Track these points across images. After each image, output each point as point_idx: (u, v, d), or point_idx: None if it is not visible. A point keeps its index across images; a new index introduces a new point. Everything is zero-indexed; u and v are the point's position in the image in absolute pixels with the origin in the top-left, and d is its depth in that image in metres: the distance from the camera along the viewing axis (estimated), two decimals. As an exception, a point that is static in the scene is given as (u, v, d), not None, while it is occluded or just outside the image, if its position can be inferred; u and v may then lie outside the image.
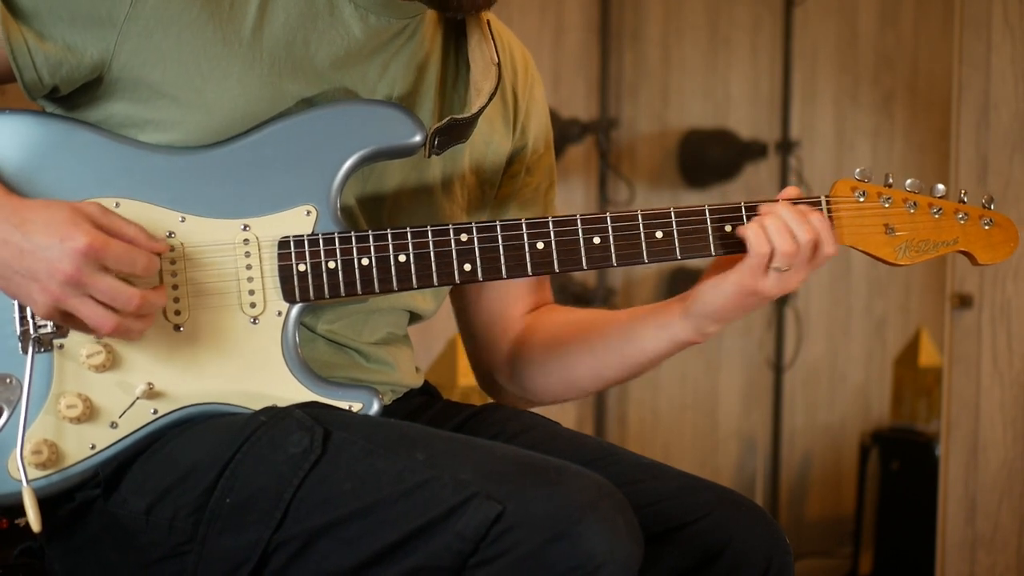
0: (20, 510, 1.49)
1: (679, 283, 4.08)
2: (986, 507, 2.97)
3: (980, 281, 2.95)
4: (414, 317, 1.72)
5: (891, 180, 1.63)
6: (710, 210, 1.59)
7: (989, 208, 1.65)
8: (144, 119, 1.53)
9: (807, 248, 1.56)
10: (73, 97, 1.54)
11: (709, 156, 4.08)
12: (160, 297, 1.47)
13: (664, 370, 4.16)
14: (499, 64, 1.63)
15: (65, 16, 1.49)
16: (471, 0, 1.56)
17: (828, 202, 1.61)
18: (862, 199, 1.62)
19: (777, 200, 1.59)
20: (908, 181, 1.63)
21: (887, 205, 1.62)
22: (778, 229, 1.55)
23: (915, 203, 1.63)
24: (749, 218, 1.58)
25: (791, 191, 1.62)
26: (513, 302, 1.79)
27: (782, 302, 4.30)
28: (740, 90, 4.25)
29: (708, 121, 4.16)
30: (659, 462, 1.60)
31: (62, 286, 1.41)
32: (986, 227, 1.64)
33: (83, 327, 1.46)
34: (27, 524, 1.48)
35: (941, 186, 1.63)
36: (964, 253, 1.65)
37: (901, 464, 4.01)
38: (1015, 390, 2.92)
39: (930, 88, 4.56)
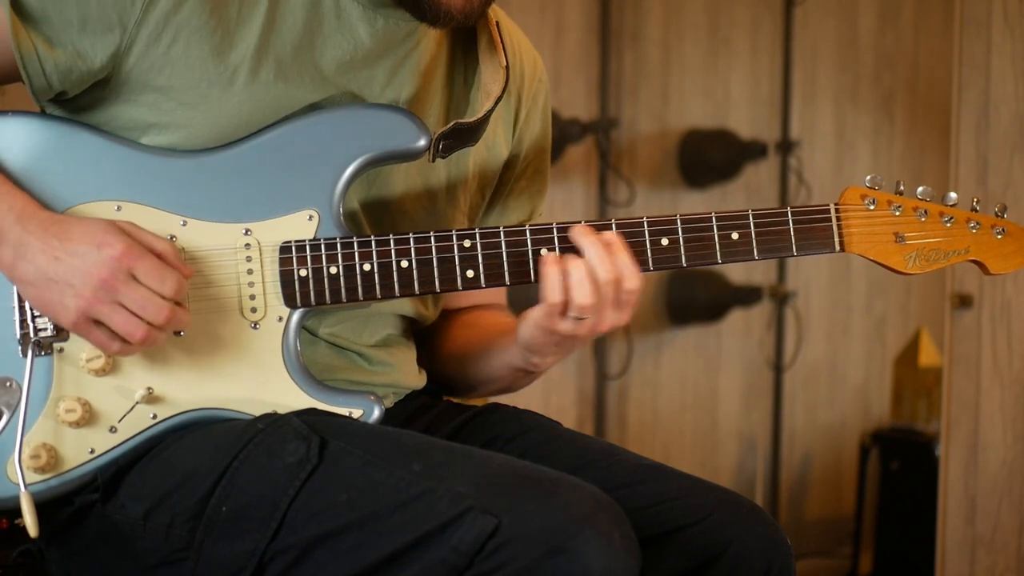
0: (19, 512, 1.49)
1: (678, 283, 4.08)
2: (986, 507, 2.97)
3: (980, 281, 2.95)
4: (415, 322, 1.72)
5: (902, 187, 1.61)
6: (716, 216, 1.57)
7: (1002, 217, 1.62)
8: (148, 122, 1.52)
9: (608, 290, 1.51)
10: (78, 99, 1.54)
11: (709, 156, 4.07)
12: (186, 316, 1.47)
13: (664, 370, 4.16)
14: (507, 67, 1.62)
15: (76, 21, 1.48)
16: (447, 12, 1.53)
17: (838, 210, 1.59)
18: (872, 207, 1.59)
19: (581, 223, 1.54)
20: (920, 189, 1.61)
21: (897, 213, 1.60)
22: (579, 279, 1.50)
23: (926, 211, 1.60)
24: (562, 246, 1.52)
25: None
26: (456, 299, 1.78)
27: (782, 302, 4.30)
28: (740, 90, 4.25)
29: (708, 121, 4.16)
30: (660, 463, 1.60)
31: (96, 291, 1.42)
32: (998, 236, 1.61)
33: (105, 341, 1.45)
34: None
35: (953, 194, 1.60)
36: (975, 263, 1.62)
37: (901, 464, 4.01)
38: (1015, 390, 2.92)
39: (930, 88, 4.56)
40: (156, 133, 1.52)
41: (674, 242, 1.56)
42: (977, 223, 1.61)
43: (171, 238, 1.51)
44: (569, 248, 1.54)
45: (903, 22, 4.56)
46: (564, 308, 1.52)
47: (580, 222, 1.54)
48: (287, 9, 1.54)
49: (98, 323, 1.44)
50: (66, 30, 1.48)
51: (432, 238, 1.53)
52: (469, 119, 1.58)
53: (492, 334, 1.69)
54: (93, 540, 1.53)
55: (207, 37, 1.51)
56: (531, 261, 1.54)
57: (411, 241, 1.53)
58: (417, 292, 1.54)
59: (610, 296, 1.51)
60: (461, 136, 1.58)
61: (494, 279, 1.54)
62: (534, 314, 1.55)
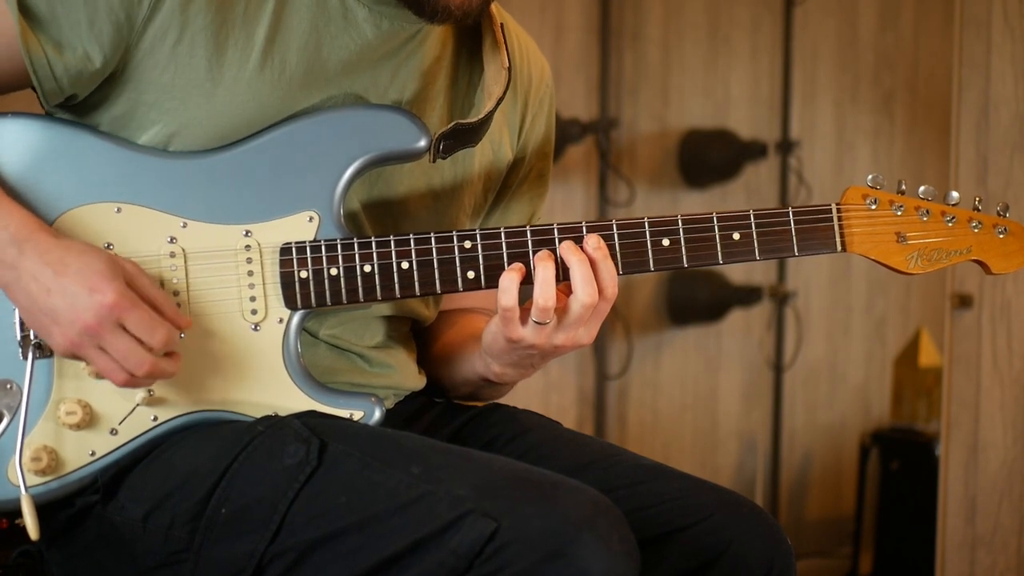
0: (20, 514, 1.49)
1: (678, 283, 4.08)
2: (986, 507, 2.97)
3: (980, 281, 2.95)
4: (416, 323, 1.71)
5: (904, 187, 1.60)
6: (718, 217, 1.57)
7: (1004, 216, 1.61)
8: (151, 120, 1.52)
9: (585, 313, 1.51)
10: (83, 99, 1.53)
11: (709, 156, 4.07)
12: (172, 366, 1.46)
13: (664, 370, 4.16)
14: (509, 68, 1.62)
15: (84, 21, 1.47)
16: (446, 8, 1.53)
17: (839, 210, 1.58)
18: (874, 207, 1.59)
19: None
20: (921, 188, 1.60)
21: (899, 213, 1.59)
22: (544, 280, 1.50)
23: (928, 211, 1.59)
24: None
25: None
26: (447, 301, 1.78)
27: (782, 302, 4.30)
28: (740, 90, 4.24)
29: (708, 121, 4.16)
30: (660, 463, 1.59)
31: (80, 334, 1.41)
32: (1000, 236, 1.60)
33: (95, 370, 1.45)
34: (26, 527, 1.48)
35: (955, 193, 1.59)
36: (977, 262, 1.61)
37: (901, 464, 4.01)
38: (1015, 390, 2.92)
39: (930, 88, 4.56)
40: (159, 131, 1.52)
41: (675, 243, 1.56)
42: (979, 222, 1.60)
43: (171, 239, 1.51)
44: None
45: (903, 22, 4.55)
46: (523, 315, 1.52)
47: (581, 223, 1.55)
48: (293, 10, 1.54)
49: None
50: (75, 31, 1.48)
51: (432, 239, 1.53)
52: (470, 119, 1.58)
53: (466, 337, 1.69)
54: (93, 542, 1.53)
55: (212, 36, 1.50)
56: (532, 262, 1.54)
57: (411, 242, 1.53)
58: (418, 293, 1.54)
59: (585, 317, 1.52)
60: (462, 136, 1.58)
61: (495, 280, 1.53)
62: (495, 318, 1.55)
